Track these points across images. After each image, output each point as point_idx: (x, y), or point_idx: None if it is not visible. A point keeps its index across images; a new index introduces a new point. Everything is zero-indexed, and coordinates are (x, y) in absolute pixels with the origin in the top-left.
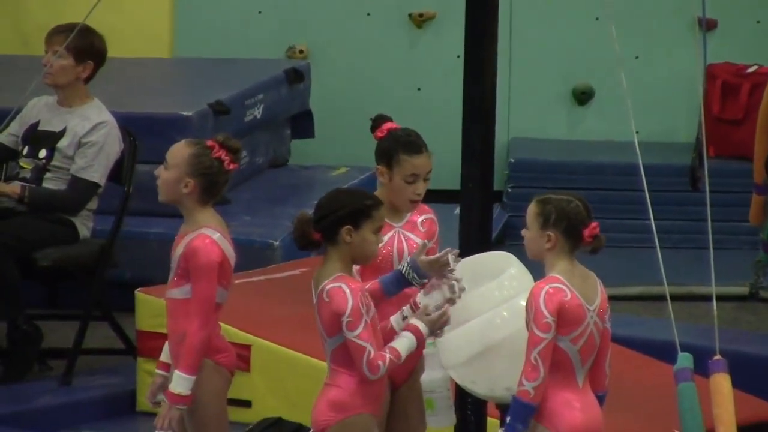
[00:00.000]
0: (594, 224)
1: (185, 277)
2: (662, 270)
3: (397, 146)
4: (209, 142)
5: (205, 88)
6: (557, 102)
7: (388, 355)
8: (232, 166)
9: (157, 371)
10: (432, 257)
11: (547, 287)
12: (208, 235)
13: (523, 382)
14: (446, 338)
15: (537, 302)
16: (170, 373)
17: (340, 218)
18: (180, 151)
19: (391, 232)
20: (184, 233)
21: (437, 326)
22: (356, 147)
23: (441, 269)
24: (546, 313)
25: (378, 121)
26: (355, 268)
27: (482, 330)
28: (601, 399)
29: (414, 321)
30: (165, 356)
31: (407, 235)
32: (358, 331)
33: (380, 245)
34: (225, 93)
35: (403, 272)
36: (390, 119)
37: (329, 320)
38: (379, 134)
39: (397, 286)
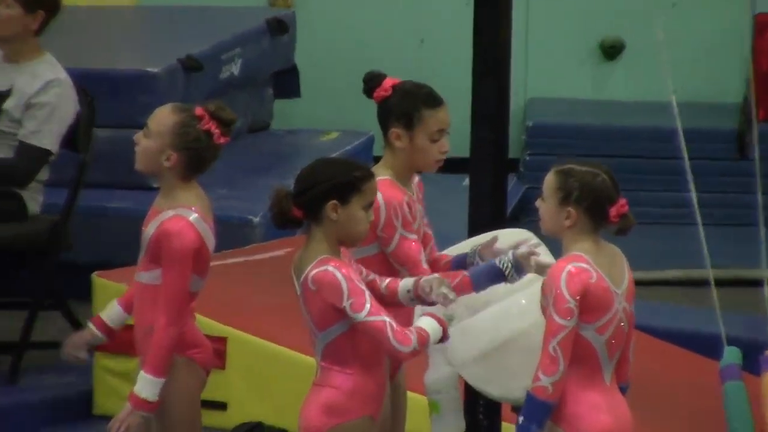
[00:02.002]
0: (622, 201)
1: (156, 261)
2: (705, 250)
3: (417, 101)
4: (198, 110)
5: (174, 41)
6: (582, 57)
7: (414, 329)
8: (222, 140)
9: (90, 325)
10: (545, 262)
11: (570, 266)
12: (183, 217)
13: (539, 377)
14: (454, 331)
15: (557, 283)
16: (104, 335)
17: (325, 192)
18: (164, 117)
19: (417, 209)
20: (159, 209)
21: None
22: (349, 108)
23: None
24: (568, 296)
25: (376, 79)
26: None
27: (497, 321)
28: (622, 391)
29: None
30: (107, 313)
31: (418, 204)
32: (366, 309)
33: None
34: (197, 46)
35: (503, 269)
36: (386, 75)
37: (320, 311)
38: (382, 93)
39: (490, 281)
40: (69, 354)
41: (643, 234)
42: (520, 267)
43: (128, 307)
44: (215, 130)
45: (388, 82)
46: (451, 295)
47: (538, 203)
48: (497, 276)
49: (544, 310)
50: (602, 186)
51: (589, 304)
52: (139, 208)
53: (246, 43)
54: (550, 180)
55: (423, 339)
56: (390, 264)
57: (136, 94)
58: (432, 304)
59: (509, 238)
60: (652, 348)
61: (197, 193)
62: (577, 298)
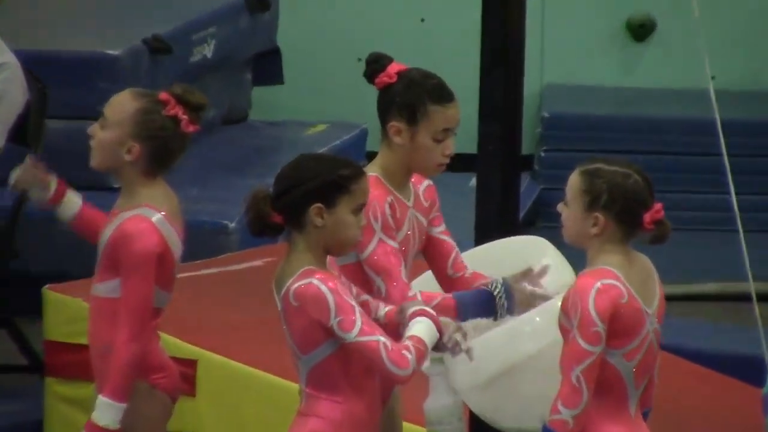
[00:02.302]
0: (658, 206)
1: (114, 269)
2: (746, 261)
3: (423, 94)
4: (163, 95)
5: (138, 19)
6: (606, 38)
7: (410, 344)
8: (191, 128)
9: (52, 177)
10: (542, 293)
11: (598, 283)
12: (145, 217)
13: (559, 408)
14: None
15: (585, 303)
16: (54, 191)
17: (308, 194)
18: (123, 104)
19: (408, 216)
20: (119, 210)
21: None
22: (339, 97)
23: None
24: (596, 318)
25: (380, 62)
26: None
27: (508, 341)
28: (644, 416)
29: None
30: (71, 193)
31: (416, 214)
32: (357, 327)
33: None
34: (165, 25)
35: (496, 296)
36: (392, 59)
37: (304, 331)
38: (385, 80)
39: (477, 312)
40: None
41: (675, 242)
42: (510, 296)
43: (82, 217)
44: (183, 116)
45: (393, 68)
46: (464, 345)
47: (560, 208)
48: (487, 305)
49: (563, 330)
50: (635, 188)
51: (619, 328)
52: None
53: (221, 21)
54: (574, 181)
55: (421, 354)
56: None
57: (94, 80)
58: (441, 348)
59: (520, 247)
60: (682, 371)
61: (163, 191)
62: (606, 320)
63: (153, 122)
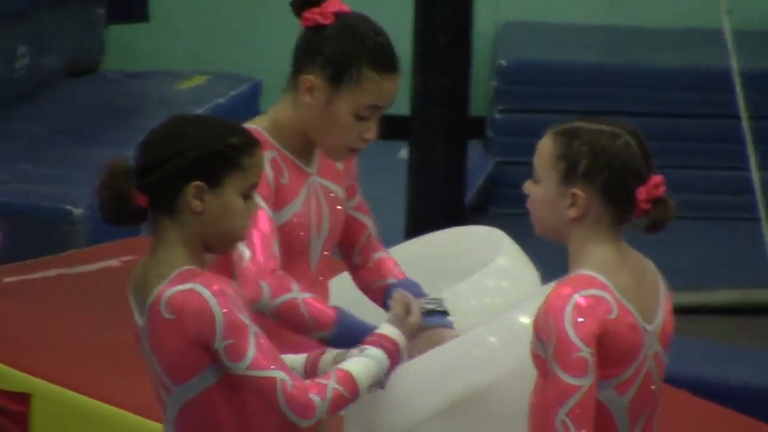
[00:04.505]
0: (656, 179)
1: None
2: None
3: (361, 52)
4: None
5: None
6: None
7: (330, 384)
8: None
9: None
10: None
11: (577, 296)
12: None
13: None
14: (391, 383)
15: (560, 324)
16: None
17: (186, 168)
18: None
19: (305, 186)
20: None
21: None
22: (223, 40)
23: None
24: (578, 341)
25: None
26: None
27: (447, 371)
28: None
29: (384, 329)
30: None
31: (324, 183)
32: (250, 356)
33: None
34: None
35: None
36: None
37: (178, 353)
38: (317, 18)
39: (352, 340)
40: None
41: (682, 234)
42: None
43: None
44: None
45: (332, 5)
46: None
47: (527, 187)
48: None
49: (538, 362)
50: (626, 153)
51: (608, 353)
52: None
53: None
54: (545, 146)
55: (341, 399)
56: None
57: None
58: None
59: (467, 240)
60: (688, 410)
61: None
62: (592, 342)
63: None
